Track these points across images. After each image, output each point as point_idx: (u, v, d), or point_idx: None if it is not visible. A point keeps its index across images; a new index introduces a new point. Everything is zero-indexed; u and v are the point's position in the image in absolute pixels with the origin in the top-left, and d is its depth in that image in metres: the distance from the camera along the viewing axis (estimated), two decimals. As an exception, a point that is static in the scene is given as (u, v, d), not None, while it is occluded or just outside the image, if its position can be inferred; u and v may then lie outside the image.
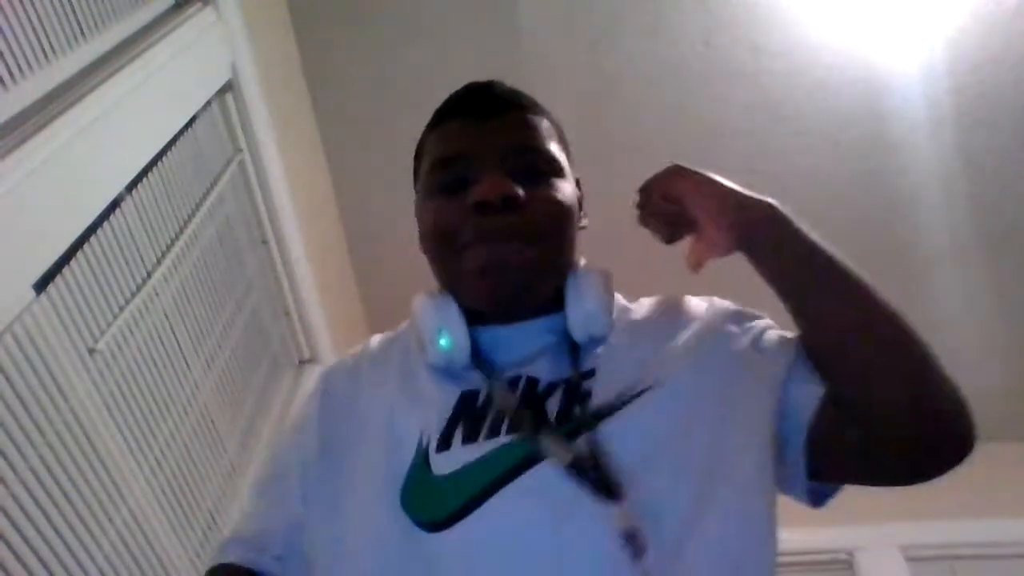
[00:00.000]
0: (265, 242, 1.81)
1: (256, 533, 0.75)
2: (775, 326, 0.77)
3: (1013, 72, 1.95)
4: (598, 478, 0.63)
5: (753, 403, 0.69)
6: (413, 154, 0.86)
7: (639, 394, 0.69)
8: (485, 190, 0.71)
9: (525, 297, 0.75)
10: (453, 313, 0.74)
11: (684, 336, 0.75)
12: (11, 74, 1.01)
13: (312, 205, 2.05)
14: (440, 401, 0.72)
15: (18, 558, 0.91)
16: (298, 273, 1.89)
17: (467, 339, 0.74)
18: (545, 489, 0.64)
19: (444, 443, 0.69)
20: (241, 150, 1.69)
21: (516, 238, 0.72)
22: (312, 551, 0.72)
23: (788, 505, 0.71)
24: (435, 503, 0.66)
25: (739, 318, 0.78)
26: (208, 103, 1.55)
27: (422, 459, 0.69)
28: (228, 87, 1.62)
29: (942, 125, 2.02)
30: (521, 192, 0.72)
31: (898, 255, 2.20)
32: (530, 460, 0.65)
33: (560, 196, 0.76)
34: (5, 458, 0.91)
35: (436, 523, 0.65)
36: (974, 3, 1.88)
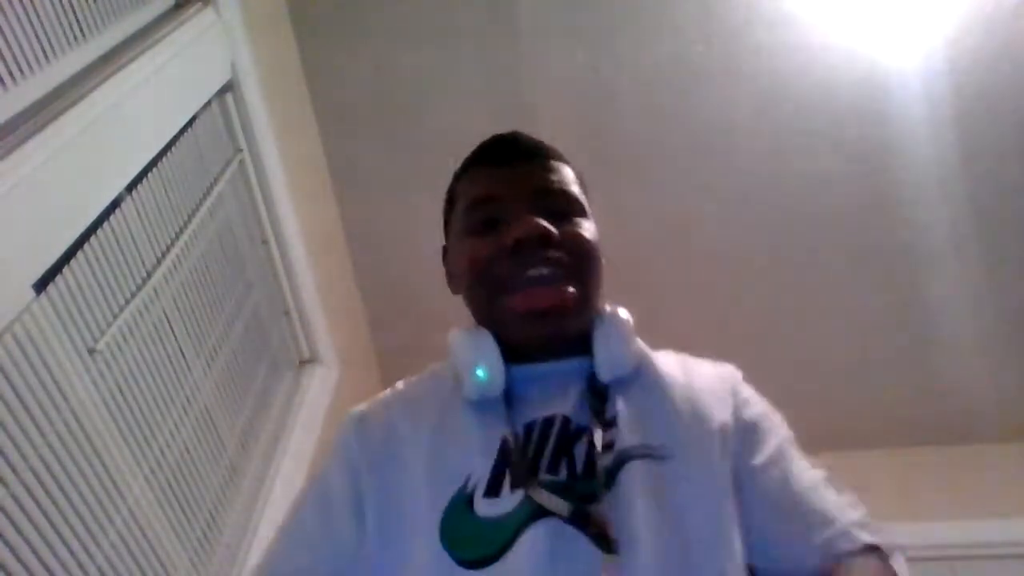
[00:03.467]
0: (265, 242, 1.81)
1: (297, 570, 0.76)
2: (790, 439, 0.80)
3: (1013, 72, 1.95)
4: (596, 531, 0.66)
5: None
6: (445, 199, 0.93)
7: (657, 455, 0.73)
8: (521, 229, 0.76)
9: (564, 335, 0.79)
10: (490, 347, 0.78)
11: (704, 408, 0.78)
12: (11, 74, 1.01)
13: (312, 205, 2.05)
14: (484, 443, 0.75)
15: (18, 558, 0.91)
16: (298, 273, 1.89)
17: (502, 372, 0.77)
18: (549, 538, 0.67)
19: (493, 490, 0.72)
20: (241, 150, 1.69)
21: (555, 280, 0.77)
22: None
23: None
24: (475, 543, 0.69)
25: (759, 421, 0.81)
26: (208, 103, 1.55)
27: (465, 500, 0.72)
28: (228, 87, 1.62)
29: (942, 125, 2.02)
30: (555, 230, 0.77)
31: (898, 255, 2.20)
32: (545, 510, 0.69)
33: (587, 234, 0.80)
34: (5, 458, 0.91)
35: (475, 561, 0.68)
36: (974, 3, 1.88)
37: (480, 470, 0.73)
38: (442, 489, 0.73)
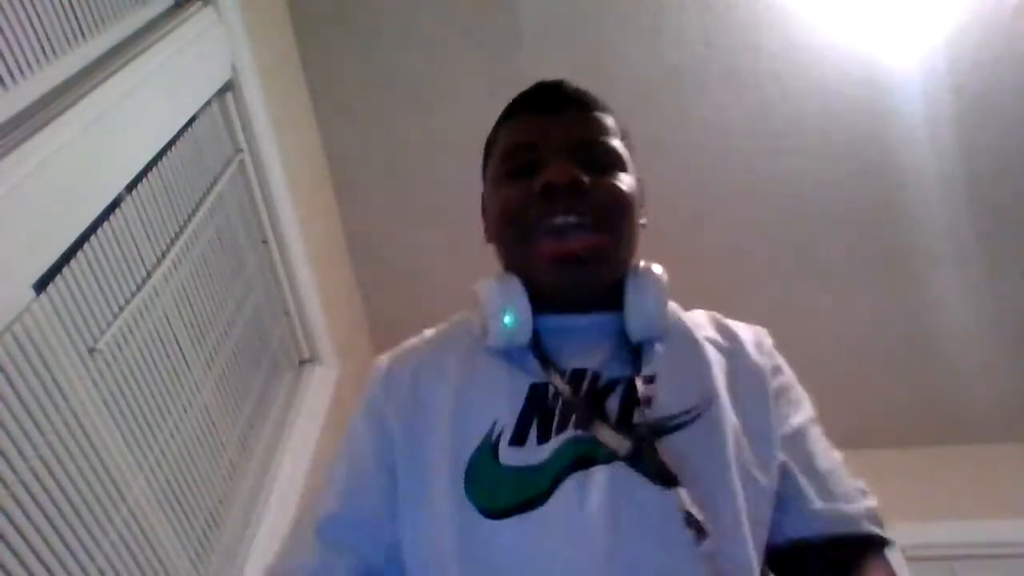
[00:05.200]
0: (265, 242, 1.81)
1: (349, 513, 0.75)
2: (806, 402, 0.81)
3: (1013, 72, 1.95)
4: (656, 467, 0.66)
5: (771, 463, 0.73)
6: (484, 144, 0.90)
7: (695, 417, 0.71)
8: (552, 174, 0.75)
9: (591, 284, 0.78)
10: (518, 292, 0.77)
11: (734, 368, 0.78)
12: (11, 74, 1.01)
13: (312, 205, 2.05)
14: (510, 391, 0.74)
15: (18, 558, 0.91)
16: (298, 273, 1.89)
17: (530, 318, 0.76)
18: (606, 480, 0.66)
19: (518, 439, 0.71)
20: (241, 150, 1.69)
21: (581, 227, 0.75)
22: (401, 535, 0.73)
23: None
24: (502, 492, 0.68)
25: (785, 387, 0.81)
26: (208, 103, 1.55)
27: (490, 448, 0.71)
28: (228, 87, 1.62)
29: (942, 125, 2.02)
30: (586, 178, 0.75)
31: (898, 255, 2.20)
32: (592, 456, 0.68)
33: (623, 186, 0.79)
34: (5, 458, 0.91)
35: (498, 511, 0.67)
36: (974, 3, 1.88)
37: (506, 418, 0.72)
38: (467, 438, 0.72)
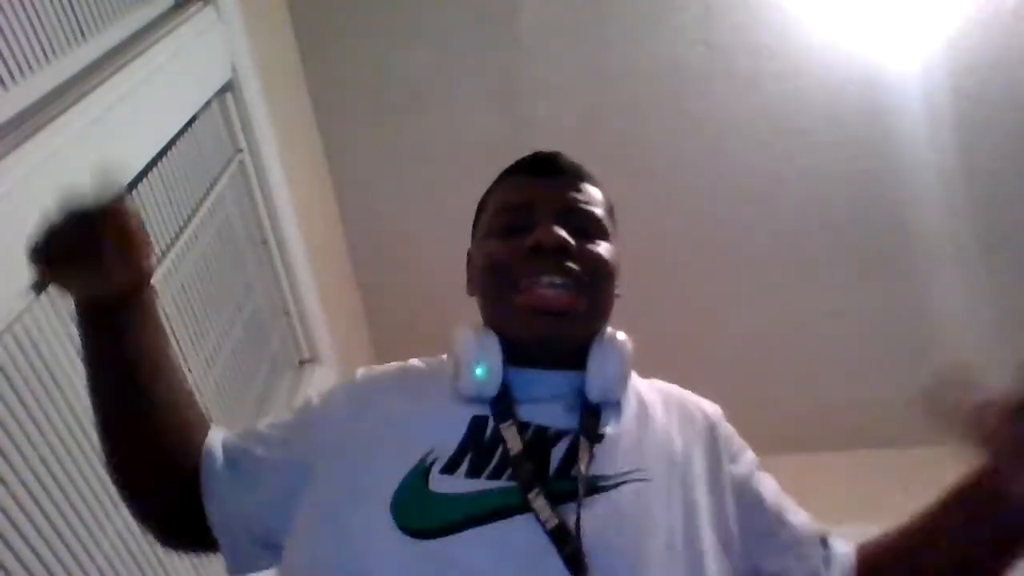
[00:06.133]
0: (265, 242, 1.81)
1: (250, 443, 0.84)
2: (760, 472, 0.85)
3: (1013, 73, 1.95)
4: (572, 552, 0.66)
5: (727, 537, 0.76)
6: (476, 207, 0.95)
7: (634, 481, 0.74)
8: (542, 236, 0.79)
9: (563, 340, 0.81)
10: (493, 346, 0.80)
11: (686, 442, 0.81)
12: (11, 74, 1.01)
13: (312, 205, 2.05)
14: (451, 421, 0.77)
15: (18, 558, 0.91)
16: (298, 273, 1.89)
17: (500, 372, 0.79)
18: (521, 541, 0.68)
19: (450, 468, 0.73)
20: (241, 150, 1.69)
21: (566, 288, 0.79)
22: (307, 513, 0.76)
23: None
24: (424, 515, 0.70)
25: (736, 451, 0.85)
26: (208, 103, 1.55)
27: (421, 473, 0.73)
28: (228, 87, 1.62)
29: (942, 126, 2.02)
30: (574, 243, 0.80)
31: (898, 255, 2.20)
32: (517, 509, 0.69)
33: (607, 256, 0.84)
34: (5, 458, 0.91)
35: (420, 532, 0.69)
36: (974, 4, 1.88)
37: (442, 447, 0.74)
38: (402, 459, 0.74)
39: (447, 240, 2.23)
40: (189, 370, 1.38)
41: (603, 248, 0.83)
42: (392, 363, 0.92)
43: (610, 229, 0.87)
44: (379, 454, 0.76)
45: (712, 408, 0.87)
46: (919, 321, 2.26)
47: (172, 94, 1.38)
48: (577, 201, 0.85)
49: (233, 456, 0.83)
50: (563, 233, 0.80)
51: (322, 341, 2.00)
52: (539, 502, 0.69)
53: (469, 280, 0.92)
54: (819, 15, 1.93)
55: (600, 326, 0.84)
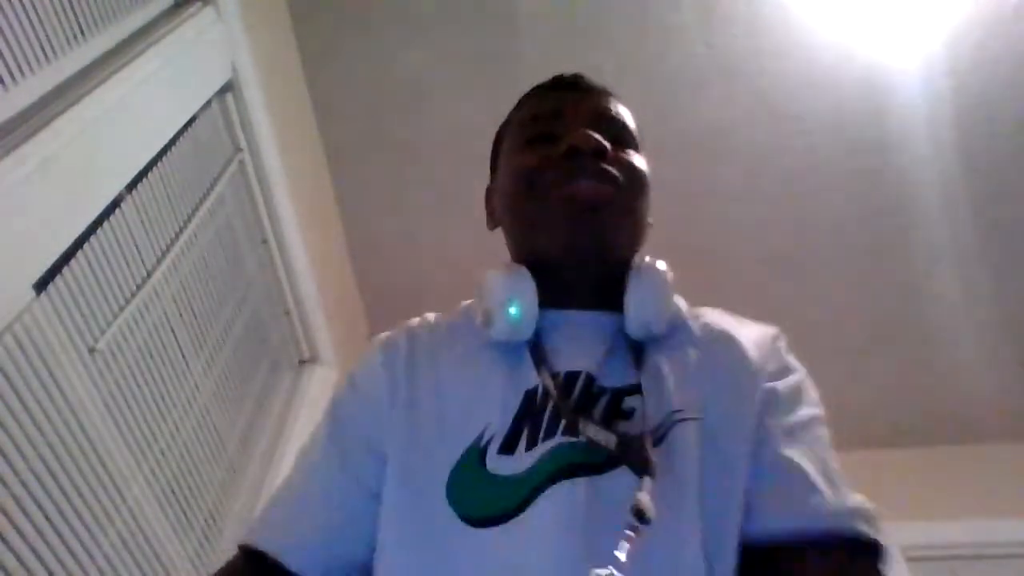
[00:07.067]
0: (265, 242, 1.81)
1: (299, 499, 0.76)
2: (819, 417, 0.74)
3: (1013, 73, 1.95)
4: (641, 459, 0.62)
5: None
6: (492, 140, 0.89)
7: (677, 423, 0.68)
8: (577, 138, 0.74)
9: (600, 248, 0.75)
10: (527, 283, 0.74)
11: (737, 376, 0.73)
12: (11, 74, 1.01)
13: (312, 205, 2.05)
14: (504, 396, 0.71)
15: (18, 558, 0.91)
16: (298, 273, 1.89)
17: (536, 311, 0.73)
18: (587, 492, 0.64)
19: (508, 447, 0.68)
20: (241, 150, 1.69)
21: (603, 178, 0.74)
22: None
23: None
24: (488, 501, 0.66)
25: (791, 386, 0.75)
26: (208, 103, 1.55)
27: (477, 455, 0.68)
28: (228, 87, 1.62)
29: (942, 126, 2.02)
30: (610, 146, 0.75)
31: (898, 255, 2.20)
32: (576, 464, 0.65)
33: (641, 164, 0.79)
34: (5, 458, 0.91)
35: (483, 520, 0.65)
36: (974, 4, 1.88)
37: (497, 424, 0.69)
38: (455, 440, 0.69)
39: (447, 240, 2.24)
40: (189, 369, 1.39)
41: (639, 157, 0.79)
42: (409, 324, 0.83)
43: (639, 142, 0.82)
44: (428, 440, 0.71)
45: (773, 333, 0.79)
46: (919, 320, 2.26)
47: (172, 94, 1.38)
48: (608, 110, 0.81)
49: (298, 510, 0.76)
50: (599, 137, 0.74)
51: (322, 341, 2.00)
52: (592, 429, 0.65)
53: (490, 214, 0.86)
54: (819, 15, 1.93)
55: (634, 246, 0.78)
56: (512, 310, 0.72)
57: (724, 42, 1.98)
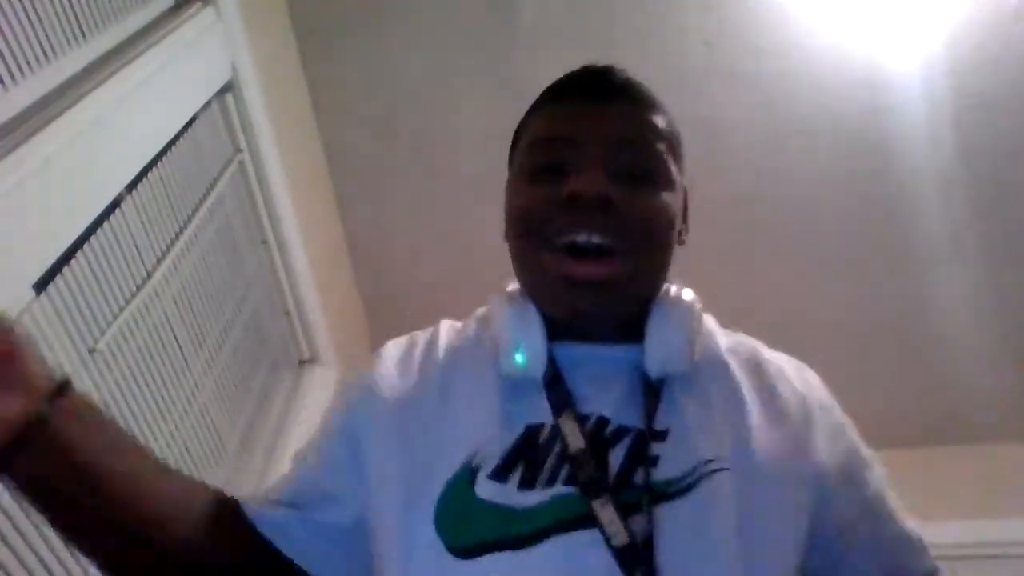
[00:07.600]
0: (265, 242, 1.81)
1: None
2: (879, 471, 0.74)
3: (1013, 73, 1.95)
4: (645, 573, 0.58)
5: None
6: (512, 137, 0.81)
7: (707, 475, 0.63)
8: (581, 184, 0.66)
9: (605, 315, 0.70)
10: (534, 326, 0.69)
11: (771, 418, 0.69)
12: (11, 74, 1.01)
13: (312, 205, 2.05)
14: (504, 427, 0.67)
15: (18, 558, 0.91)
16: (298, 273, 1.89)
17: (544, 354, 0.68)
18: (589, 562, 0.60)
19: (500, 475, 0.64)
20: (241, 150, 1.69)
21: (602, 252, 0.67)
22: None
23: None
24: (471, 527, 0.63)
25: (839, 432, 0.73)
26: (208, 103, 1.55)
27: (467, 478, 0.65)
28: (228, 87, 1.62)
29: (942, 126, 2.01)
30: (618, 196, 0.67)
31: (898, 255, 2.20)
32: (580, 520, 0.61)
33: (659, 205, 0.70)
34: (5, 458, 0.91)
35: (466, 548, 0.62)
36: (974, 4, 1.88)
37: (490, 449, 0.65)
38: (441, 461, 0.66)
39: (447, 240, 2.24)
40: (189, 370, 1.38)
41: (656, 197, 0.70)
42: (425, 335, 0.79)
43: (671, 168, 0.73)
44: (425, 452, 0.68)
45: (812, 377, 0.75)
46: (918, 320, 2.25)
47: (172, 94, 1.38)
48: (630, 133, 0.71)
49: (290, 498, 0.75)
50: (606, 183, 0.66)
51: (322, 341, 2.00)
52: (606, 512, 0.60)
53: (506, 223, 0.79)
54: (819, 15, 1.93)
55: (654, 290, 0.72)
56: (519, 357, 0.68)
57: (724, 42, 1.98)
